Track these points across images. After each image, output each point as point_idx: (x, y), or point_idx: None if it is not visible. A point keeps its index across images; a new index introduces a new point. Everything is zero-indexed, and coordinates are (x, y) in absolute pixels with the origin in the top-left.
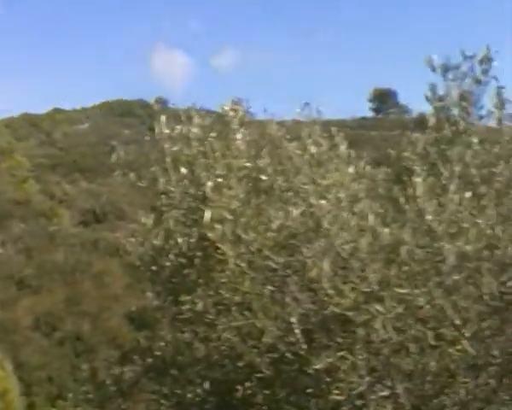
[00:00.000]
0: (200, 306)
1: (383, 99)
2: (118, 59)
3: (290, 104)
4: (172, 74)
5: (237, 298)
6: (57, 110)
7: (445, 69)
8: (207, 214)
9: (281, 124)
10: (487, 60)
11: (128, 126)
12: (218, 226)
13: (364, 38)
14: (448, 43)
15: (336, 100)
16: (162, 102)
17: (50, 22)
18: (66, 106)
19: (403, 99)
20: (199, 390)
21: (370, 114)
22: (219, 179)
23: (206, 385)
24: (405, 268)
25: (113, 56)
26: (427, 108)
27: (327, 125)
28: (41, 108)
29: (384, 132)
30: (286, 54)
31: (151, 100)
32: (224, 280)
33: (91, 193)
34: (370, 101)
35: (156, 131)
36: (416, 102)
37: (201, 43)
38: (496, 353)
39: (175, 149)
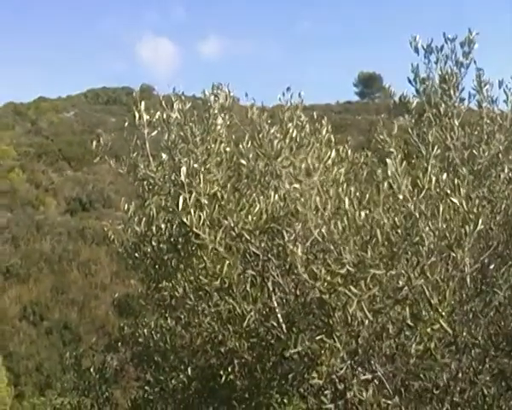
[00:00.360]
0: (180, 291)
1: (368, 83)
2: (103, 48)
3: (274, 90)
4: (158, 62)
5: (217, 283)
6: (42, 99)
7: (429, 51)
8: (180, 200)
9: (263, 109)
10: (469, 42)
11: (113, 114)
12: (194, 211)
13: (350, 22)
14: (436, 25)
15: (323, 85)
16: (148, 89)
17: (35, 11)
18: (52, 95)
19: (388, 83)
20: (182, 377)
21: (356, 98)
22: (197, 164)
23: (189, 371)
24: (381, 249)
25: (99, 45)
26: (411, 91)
27: (312, 109)
28: (26, 97)
29: (369, 116)
30: (271, 41)
31: (136, 88)
32: (202, 265)
33: (77, 181)
34: (356, 85)
35: (136, 117)
36: (400, 85)
37: (187, 31)
38: (479, 335)
39: (154, 134)
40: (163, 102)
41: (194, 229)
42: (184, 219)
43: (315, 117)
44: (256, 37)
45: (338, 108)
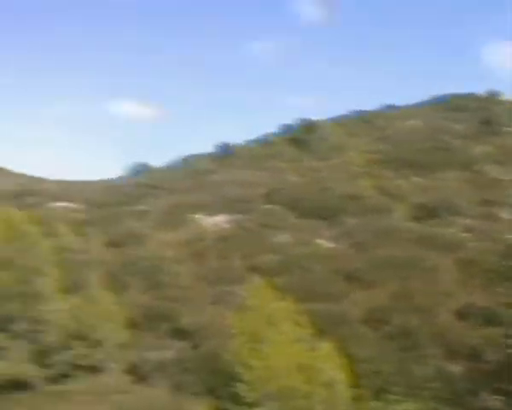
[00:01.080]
0: None
1: None
2: (450, 55)
3: None
4: (504, 67)
5: None
6: (390, 107)
7: None
8: None
9: None
10: None
11: (459, 121)
12: None
13: None
14: None
15: None
16: (495, 94)
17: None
18: (399, 102)
19: None
20: None
21: None
22: None
23: None
24: None
25: (446, 53)
26: None
27: None
28: (371, 105)
29: None
30: None
31: (482, 93)
32: None
33: (424, 188)
34: None
35: None
36: None
37: None
38: None
39: None
40: None
41: None
42: None
43: None
44: None
45: None
